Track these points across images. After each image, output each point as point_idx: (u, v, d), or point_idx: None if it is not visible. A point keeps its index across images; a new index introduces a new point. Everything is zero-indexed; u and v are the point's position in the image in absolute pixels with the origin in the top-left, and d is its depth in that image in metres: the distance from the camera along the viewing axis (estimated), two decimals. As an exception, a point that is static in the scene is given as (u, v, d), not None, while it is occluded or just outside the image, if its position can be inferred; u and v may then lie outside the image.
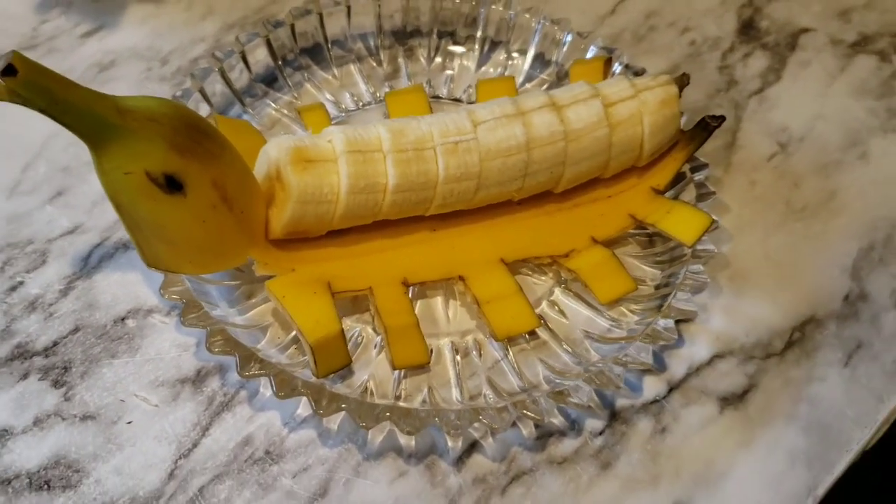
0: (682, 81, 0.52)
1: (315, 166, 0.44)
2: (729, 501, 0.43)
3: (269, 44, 0.57)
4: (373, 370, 0.46)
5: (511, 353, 0.46)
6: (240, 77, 0.56)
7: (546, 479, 0.43)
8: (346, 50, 0.60)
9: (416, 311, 0.47)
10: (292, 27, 0.57)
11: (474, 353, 0.47)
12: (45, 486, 0.41)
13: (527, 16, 0.59)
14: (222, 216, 0.43)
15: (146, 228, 0.42)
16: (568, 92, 0.49)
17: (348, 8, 0.59)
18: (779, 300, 0.50)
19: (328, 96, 0.58)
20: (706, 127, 0.51)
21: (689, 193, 0.51)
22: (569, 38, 0.58)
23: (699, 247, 0.48)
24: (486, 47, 0.61)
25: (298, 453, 0.43)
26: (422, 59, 0.61)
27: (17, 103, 0.37)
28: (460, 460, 0.43)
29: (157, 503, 0.41)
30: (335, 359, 0.43)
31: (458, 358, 0.46)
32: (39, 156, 0.54)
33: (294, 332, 0.45)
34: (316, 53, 0.59)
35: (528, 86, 0.59)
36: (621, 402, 0.46)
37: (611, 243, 0.50)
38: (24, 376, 0.45)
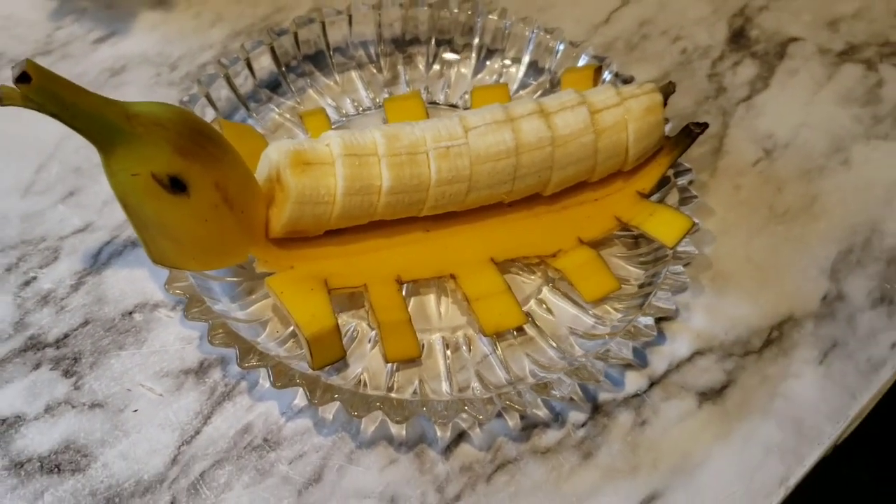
0: (668, 89, 0.53)
1: (313, 169, 0.47)
2: (704, 491, 0.45)
3: (273, 51, 0.59)
4: (367, 363, 0.48)
5: (499, 348, 0.48)
6: (245, 83, 0.58)
7: (530, 467, 0.45)
8: (347, 57, 0.62)
9: (410, 307, 0.49)
10: (296, 35, 0.60)
11: (464, 347, 0.49)
12: (56, 470, 0.44)
13: (522, 25, 0.61)
14: (224, 216, 0.45)
15: (152, 227, 0.44)
16: (556, 99, 0.51)
17: (350, 17, 0.61)
18: (759, 300, 0.52)
19: (330, 101, 0.60)
20: (690, 133, 0.53)
21: (674, 197, 0.53)
22: (561, 47, 0.60)
23: (680, 248, 0.50)
24: (482, 55, 0.63)
25: (295, 441, 0.45)
26: (420, 67, 0.63)
27: (31, 108, 0.39)
28: (448, 449, 0.45)
29: (160, 487, 0.43)
30: (330, 352, 0.45)
31: (449, 352, 0.48)
32: (52, 157, 0.56)
33: (292, 327, 0.47)
34: (318, 60, 0.61)
35: (522, 93, 0.61)
36: (604, 396, 0.47)
37: (597, 244, 0.52)
38: (37, 366, 0.47)
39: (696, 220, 0.50)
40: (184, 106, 0.53)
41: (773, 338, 0.51)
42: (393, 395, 0.46)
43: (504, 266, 0.51)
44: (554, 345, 0.49)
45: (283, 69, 0.60)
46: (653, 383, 0.48)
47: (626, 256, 0.53)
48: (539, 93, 0.61)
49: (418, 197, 0.49)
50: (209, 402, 0.46)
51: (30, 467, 0.44)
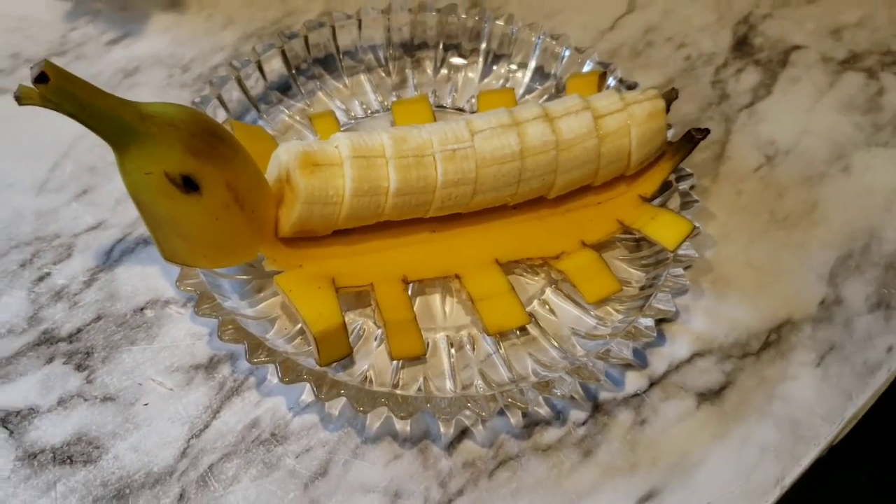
0: (671, 96, 0.54)
1: (322, 170, 0.48)
2: (701, 490, 0.45)
3: (283, 54, 0.60)
4: (373, 360, 0.49)
5: (502, 347, 0.49)
6: (256, 85, 0.59)
7: (531, 464, 0.46)
8: (356, 60, 0.63)
9: (415, 306, 0.50)
10: (306, 39, 0.61)
11: (468, 346, 0.50)
12: (68, 461, 0.45)
13: (528, 31, 0.62)
14: (235, 215, 0.46)
15: (164, 225, 0.45)
16: (561, 104, 0.52)
17: (359, 21, 0.62)
18: (758, 304, 0.53)
19: (339, 104, 0.61)
20: (691, 139, 0.54)
21: (675, 201, 0.54)
22: (567, 52, 0.61)
23: (681, 252, 0.51)
24: (488, 60, 0.64)
25: (301, 436, 0.46)
26: (428, 71, 0.64)
27: (49, 108, 0.40)
28: (451, 445, 0.46)
29: (170, 478, 0.44)
30: (337, 349, 0.46)
31: (453, 351, 0.49)
32: (67, 156, 0.57)
33: (300, 324, 0.48)
34: (328, 63, 0.62)
35: (528, 97, 0.62)
36: (604, 395, 0.48)
37: (599, 247, 0.53)
38: (50, 360, 0.48)
39: (697, 224, 0.51)
40: (196, 107, 0.54)
41: (772, 340, 0.51)
42: (398, 391, 0.47)
43: (508, 267, 0.52)
44: (556, 344, 0.50)
45: (294, 72, 0.61)
46: (652, 383, 0.49)
47: (627, 259, 0.54)
48: (545, 97, 0.62)
49: (425, 198, 0.50)
50: (218, 397, 0.47)
51: (43, 458, 0.45)
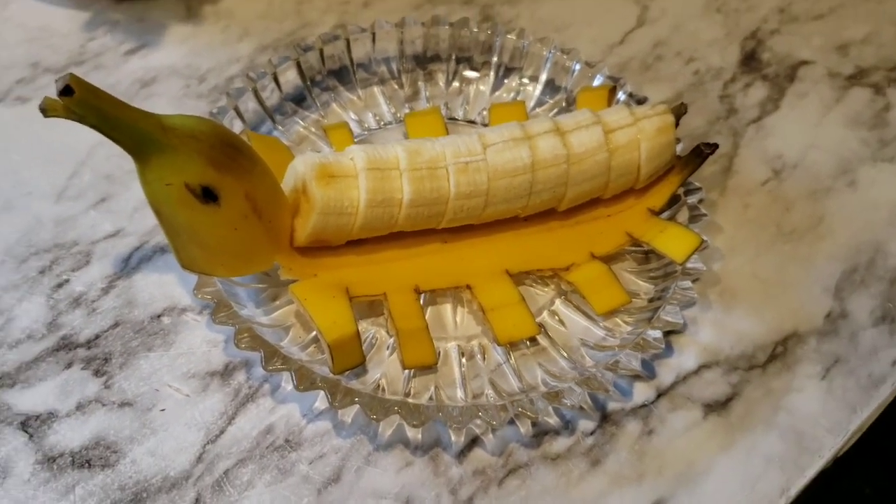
0: (680, 111, 0.55)
1: (337, 181, 0.48)
2: (707, 499, 0.46)
3: (299, 66, 0.61)
4: (385, 369, 0.49)
5: (513, 357, 0.50)
6: (271, 96, 0.60)
7: (540, 473, 0.47)
8: (370, 73, 0.64)
9: (427, 316, 0.51)
10: (321, 51, 0.61)
11: (479, 356, 0.50)
12: (87, 465, 0.45)
13: (539, 45, 0.63)
14: (252, 225, 0.47)
15: (184, 234, 0.46)
16: (572, 118, 0.53)
17: (373, 34, 0.63)
18: (764, 316, 0.54)
19: (352, 116, 0.62)
20: (700, 153, 0.55)
21: (684, 215, 0.55)
22: (577, 66, 0.62)
23: (689, 265, 0.51)
24: (500, 73, 0.64)
25: (315, 442, 0.47)
26: (440, 83, 0.65)
27: (73, 120, 0.41)
28: (462, 453, 0.47)
29: (186, 483, 0.45)
30: (350, 357, 0.47)
31: (464, 360, 0.50)
32: (85, 164, 0.58)
33: (314, 332, 0.49)
34: (342, 75, 0.63)
35: (538, 110, 0.63)
36: (612, 406, 0.49)
37: (609, 259, 0.54)
38: (69, 365, 0.49)
39: (705, 238, 0.52)
40: (213, 118, 0.55)
41: (778, 353, 0.52)
42: (410, 400, 0.47)
43: (518, 278, 0.53)
44: (565, 355, 0.50)
45: (309, 83, 0.62)
46: (660, 394, 0.50)
47: (636, 271, 0.55)
48: (555, 111, 0.63)
49: (437, 210, 0.51)
50: (233, 404, 0.48)
51: (62, 462, 0.45)
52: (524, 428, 0.48)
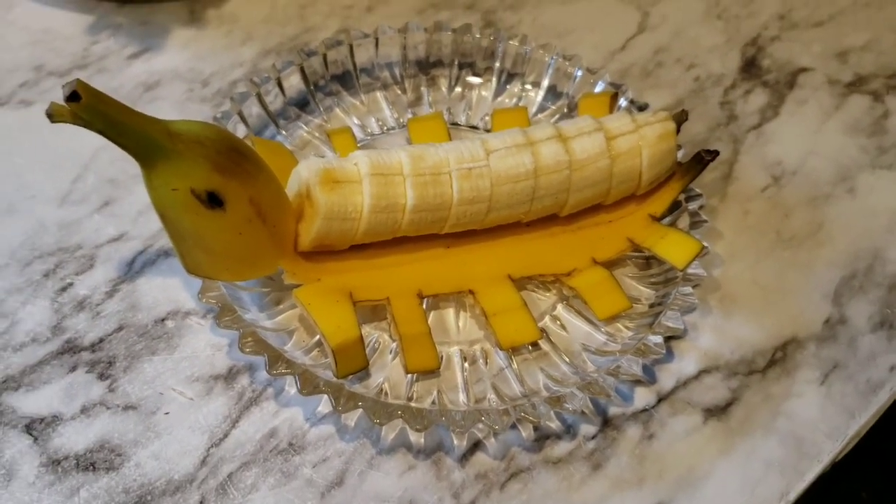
0: (681, 117, 0.56)
1: (341, 187, 0.49)
2: (707, 502, 0.46)
3: (302, 71, 0.61)
4: (388, 373, 0.50)
5: (515, 361, 0.50)
6: (275, 101, 0.60)
7: (542, 476, 0.47)
8: (373, 78, 0.64)
9: (429, 320, 0.51)
10: (324, 56, 0.62)
11: (481, 360, 0.51)
12: (91, 467, 0.46)
13: (541, 51, 0.63)
14: (257, 230, 0.47)
15: (189, 239, 0.46)
16: (574, 125, 0.54)
17: (376, 39, 0.63)
18: (764, 322, 0.54)
19: (356, 120, 0.62)
20: (701, 160, 0.55)
21: (685, 221, 0.55)
22: (579, 73, 0.62)
23: (690, 271, 0.52)
24: (502, 79, 0.65)
25: (318, 446, 0.47)
26: (443, 88, 0.65)
27: (79, 125, 0.41)
28: (464, 457, 0.47)
29: (190, 486, 0.45)
30: (354, 361, 0.47)
31: (466, 365, 0.50)
32: (88, 168, 0.58)
33: (318, 337, 0.49)
34: (345, 80, 0.63)
35: (540, 116, 0.63)
36: (614, 410, 0.50)
37: (610, 264, 0.54)
38: (73, 369, 0.49)
39: (706, 244, 0.52)
40: (217, 122, 0.55)
41: (777, 358, 0.53)
42: (413, 404, 0.48)
43: (521, 283, 0.53)
44: (567, 360, 0.51)
45: (312, 88, 0.62)
46: (661, 399, 0.50)
47: (637, 277, 0.55)
48: (557, 116, 0.63)
49: (440, 215, 0.51)
50: (237, 407, 0.48)
51: (66, 465, 0.46)
52: (526, 432, 0.48)
